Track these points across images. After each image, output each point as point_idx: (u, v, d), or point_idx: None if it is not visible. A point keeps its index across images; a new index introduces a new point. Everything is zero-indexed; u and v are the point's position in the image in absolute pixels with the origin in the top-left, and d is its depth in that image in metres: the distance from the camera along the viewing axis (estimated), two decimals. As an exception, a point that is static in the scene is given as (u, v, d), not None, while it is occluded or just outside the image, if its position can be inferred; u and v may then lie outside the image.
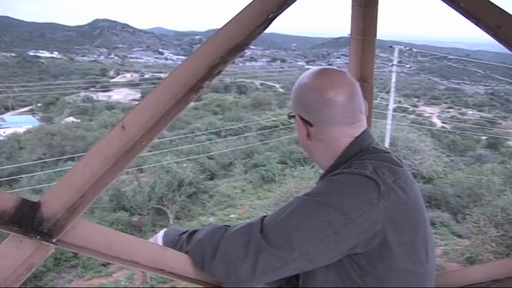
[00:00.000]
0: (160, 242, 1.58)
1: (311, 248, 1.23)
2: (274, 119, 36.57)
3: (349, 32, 1.92)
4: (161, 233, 1.62)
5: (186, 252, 1.47)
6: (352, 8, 1.86)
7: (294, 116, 1.47)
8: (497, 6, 1.36)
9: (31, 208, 1.16)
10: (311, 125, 1.40)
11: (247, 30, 1.28)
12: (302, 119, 1.42)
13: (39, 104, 69.15)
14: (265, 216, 1.36)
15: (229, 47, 1.27)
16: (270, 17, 1.30)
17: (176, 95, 1.24)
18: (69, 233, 1.22)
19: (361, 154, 1.37)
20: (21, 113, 64.89)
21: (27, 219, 1.15)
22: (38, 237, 1.16)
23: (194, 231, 1.51)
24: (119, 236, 1.36)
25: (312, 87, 1.38)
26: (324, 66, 1.50)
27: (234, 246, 1.32)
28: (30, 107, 69.06)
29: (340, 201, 1.24)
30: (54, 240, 1.18)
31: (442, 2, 1.46)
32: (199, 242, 1.42)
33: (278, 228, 1.28)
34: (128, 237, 1.38)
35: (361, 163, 1.31)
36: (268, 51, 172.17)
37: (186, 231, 1.54)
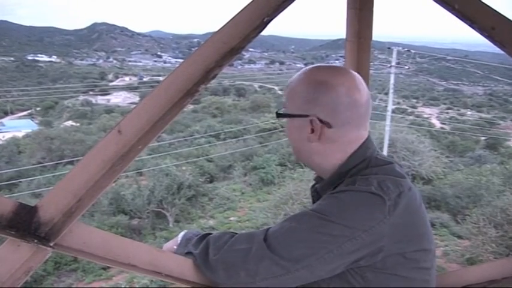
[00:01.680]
0: (179, 238, 1.59)
1: (314, 261, 1.23)
2: (274, 121, 36.55)
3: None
4: (184, 231, 1.63)
5: (191, 253, 1.48)
6: (347, 11, 1.87)
7: (286, 116, 1.42)
8: (491, 8, 1.37)
9: (28, 212, 1.16)
10: (330, 126, 1.35)
11: (243, 34, 1.29)
12: (318, 119, 1.35)
13: (38, 108, 69.13)
14: (270, 228, 1.36)
15: (225, 50, 1.28)
16: (265, 20, 1.30)
17: (172, 99, 1.25)
18: (67, 237, 1.23)
19: (364, 165, 1.36)
20: (20, 117, 64.79)
21: (25, 224, 1.15)
22: (35, 241, 1.16)
23: (208, 234, 1.51)
24: (116, 239, 1.36)
25: (338, 87, 1.34)
26: (338, 65, 1.47)
27: (236, 251, 1.33)
28: (29, 111, 68.97)
29: (346, 218, 1.23)
30: (51, 244, 1.19)
31: (438, 5, 1.46)
32: (206, 244, 1.43)
33: (282, 239, 1.28)
34: (125, 240, 1.39)
35: (365, 178, 1.29)
36: (266, 54, 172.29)
37: (204, 234, 1.53)
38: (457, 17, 1.41)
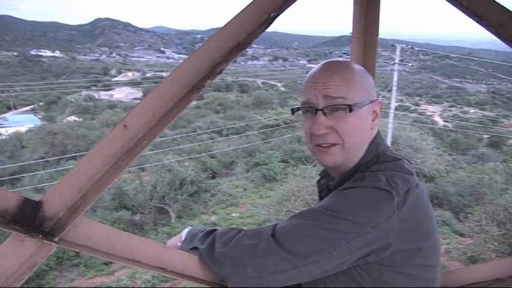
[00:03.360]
0: (184, 235, 1.59)
1: (323, 257, 1.23)
2: (276, 117, 36.50)
3: (350, 31, 1.90)
4: (188, 228, 1.64)
5: (197, 248, 1.47)
6: (354, 7, 1.85)
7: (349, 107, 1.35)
8: (499, 4, 1.35)
9: (33, 207, 1.15)
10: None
11: (249, 29, 1.27)
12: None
13: (41, 103, 69.24)
14: (277, 224, 1.35)
15: (231, 45, 1.26)
16: (271, 16, 1.29)
17: (178, 94, 1.24)
18: (71, 232, 1.22)
19: (373, 162, 1.37)
20: (23, 112, 64.99)
21: (29, 218, 1.14)
22: (40, 236, 1.15)
23: (214, 230, 1.51)
24: (121, 234, 1.36)
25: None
26: None
27: (244, 247, 1.32)
28: (32, 106, 69.14)
29: (355, 214, 1.23)
30: (56, 239, 1.18)
31: (444, 1, 1.45)
32: (212, 239, 1.43)
33: (290, 235, 1.27)
34: (130, 236, 1.38)
35: (373, 174, 1.30)
36: (270, 50, 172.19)
37: (210, 229, 1.54)
38: (464, 13, 1.39)
